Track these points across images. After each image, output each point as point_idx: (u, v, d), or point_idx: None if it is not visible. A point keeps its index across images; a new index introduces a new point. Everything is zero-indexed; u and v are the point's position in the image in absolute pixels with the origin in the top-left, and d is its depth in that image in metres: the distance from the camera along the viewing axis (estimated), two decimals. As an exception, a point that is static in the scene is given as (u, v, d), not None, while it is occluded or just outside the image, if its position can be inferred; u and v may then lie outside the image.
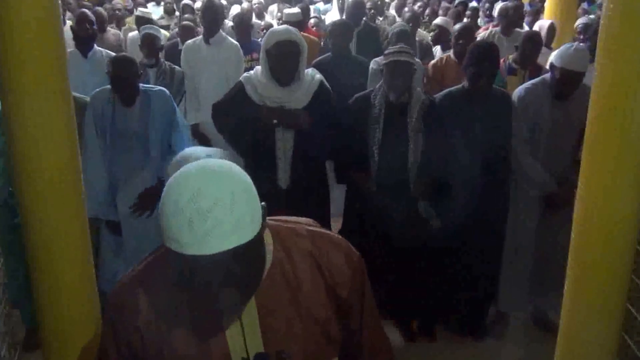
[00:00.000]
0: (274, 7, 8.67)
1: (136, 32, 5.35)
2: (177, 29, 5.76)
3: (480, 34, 4.97)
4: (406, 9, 6.46)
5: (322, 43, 5.08)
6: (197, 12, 6.41)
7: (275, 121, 2.84)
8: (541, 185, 3.06)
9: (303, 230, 1.13)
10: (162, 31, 4.87)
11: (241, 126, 2.90)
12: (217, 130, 3.13)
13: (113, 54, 3.78)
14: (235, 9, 6.90)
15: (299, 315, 1.06)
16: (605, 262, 2.08)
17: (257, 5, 8.09)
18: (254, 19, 6.31)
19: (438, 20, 5.26)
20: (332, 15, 7.51)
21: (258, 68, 2.96)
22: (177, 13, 7.38)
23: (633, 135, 1.93)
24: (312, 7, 8.39)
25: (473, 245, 3.04)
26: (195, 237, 0.87)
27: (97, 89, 3.11)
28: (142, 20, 5.57)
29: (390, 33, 4.36)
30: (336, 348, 1.12)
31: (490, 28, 5.26)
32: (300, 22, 5.05)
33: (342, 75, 3.67)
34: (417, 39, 4.88)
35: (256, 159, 2.86)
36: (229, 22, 5.80)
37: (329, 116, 2.92)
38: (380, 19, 6.21)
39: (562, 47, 3.05)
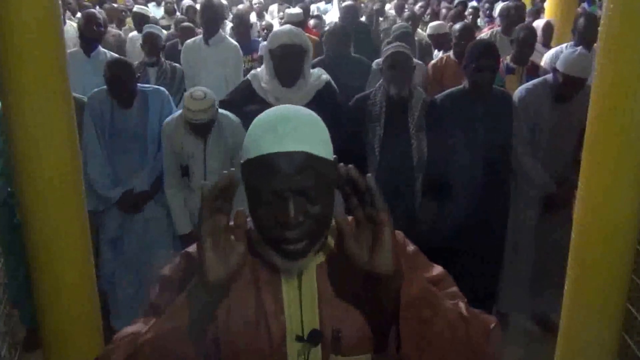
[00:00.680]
0: (274, 7, 8.68)
1: (136, 32, 5.35)
2: (174, 29, 5.77)
3: (482, 36, 4.96)
4: (406, 9, 6.47)
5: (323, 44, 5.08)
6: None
7: None
8: (541, 186, 3.07)
9: None
10: (163, 31, 4.86)
11: (248, 122, 2.90)
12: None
13: (117, 55, 3.77)
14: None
15: (357, 303, 1.08)
16: (605, 262, 2.09)
17: (257, 5, 8.10)
18: (255, 19, 6.31)
19: (430, 30, 5.15)
20: (332, 15, 7.52)
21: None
22: (177, 13, 7.38)
23: (633, 135, 1.94)
24: (314, 6, 8.39)
25: (473, 245, 3.03)
26: (276, 136, 0.97)
27: (95, 89, 3.10)
28: (139, 16, 5.56)
29: (391, 34, 4.36)
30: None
31: (493, 28, 5.24)
32: (301, 22, 5.05)
33: (341, 75, 3.66)
34: (416, 38, 4.88)
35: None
36: (229, 23, 5.80)
37: (333, 116, 2.91)
38: (381, 19, 6.21)
39: (566, 52, 3.06)
